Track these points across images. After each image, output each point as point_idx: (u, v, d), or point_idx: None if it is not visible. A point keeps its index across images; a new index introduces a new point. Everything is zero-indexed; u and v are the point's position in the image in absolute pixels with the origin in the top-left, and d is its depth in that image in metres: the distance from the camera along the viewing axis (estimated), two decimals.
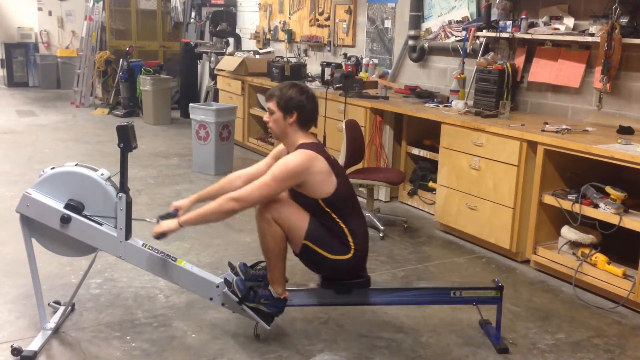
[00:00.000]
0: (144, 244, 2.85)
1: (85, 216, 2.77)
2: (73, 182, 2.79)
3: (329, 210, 2.74)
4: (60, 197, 2.78)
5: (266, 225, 2.73)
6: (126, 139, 2.74)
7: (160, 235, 2.76)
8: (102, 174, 2.82)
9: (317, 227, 2.73)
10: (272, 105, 2.81)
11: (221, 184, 2.99)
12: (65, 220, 2.73)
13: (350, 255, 2.75)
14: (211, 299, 2.87)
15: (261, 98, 7.01)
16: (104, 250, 2.84)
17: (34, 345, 2.71)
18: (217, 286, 2.84)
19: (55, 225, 2.75)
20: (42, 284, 2.93)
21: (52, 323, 2.89)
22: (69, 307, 3.06)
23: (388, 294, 2.97)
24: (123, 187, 2.79)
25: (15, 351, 2.65)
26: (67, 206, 2.76)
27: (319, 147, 2.78)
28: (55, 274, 3.53)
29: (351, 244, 2.75)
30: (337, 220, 2.75)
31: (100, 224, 2.79)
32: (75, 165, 2.85)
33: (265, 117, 2.86)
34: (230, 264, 3.03)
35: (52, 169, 2.82)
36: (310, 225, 2.72)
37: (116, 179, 2.83)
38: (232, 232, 4.41)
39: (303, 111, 2.78)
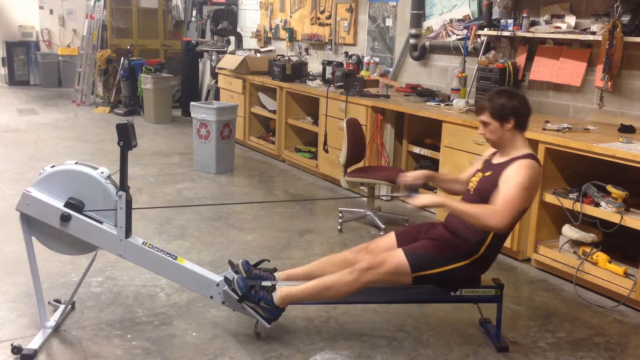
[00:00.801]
0: (144, 242, 2.85)
1: (86, 214, 2.77)
2: (73, 181, 2.79)
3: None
4: (61, 195, 2.77)
5: (355, 278, 2.71)
6: (126, 137, 2.74)
7: (423, 208, 2.75)
8: (102, 172, 2.82)
9: (412, 254, 2.74)
10: (485, 117, 2.77)
11: (456, 177, 3.05)
12: (66, 218, 2.73)
13: (467, 261, 2.74)
14: (211, 297, 2.86)
15: (262, 97, 7.02)
16: (104, 248, 2.83)
17: (34, 344, 2.71)
18: (218, 284, 2.84)
19: (55, 224, 2.75)
20: (43, 282, 2.93)
21: (52, 321, 2.89)
22: (69, 306, 3.06)
23: (388, 292, 2.96)
24: (123, 185, 2.78)
25: (16, 349, 2.65)
26: (67, 204, 2.75)
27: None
28: (56, 272, 3.53)
29: (482, 249, 2.74)
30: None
31: (101, 222, 2.79)
32: (75, 163, 2.85)
33: (480, 130, 2.83)
34: (230, 262, 3.03)
35: (52, 167, 2.82)
36: (407, 256, 2.73)
37: (116, 177, 2.83)
38: (233, 230, 4.41)
39: (519, 115, 2.75)
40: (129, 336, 2.89)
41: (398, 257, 2.73)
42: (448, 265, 2.74)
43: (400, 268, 2.72)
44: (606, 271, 3.48)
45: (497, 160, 2.83)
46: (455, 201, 2.68)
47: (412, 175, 2.94)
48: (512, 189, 2.59)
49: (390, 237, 2.97)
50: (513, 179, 2.62)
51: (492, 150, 2.92)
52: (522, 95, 2.85)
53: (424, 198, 2.68)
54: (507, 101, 2.74)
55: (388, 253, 2.78)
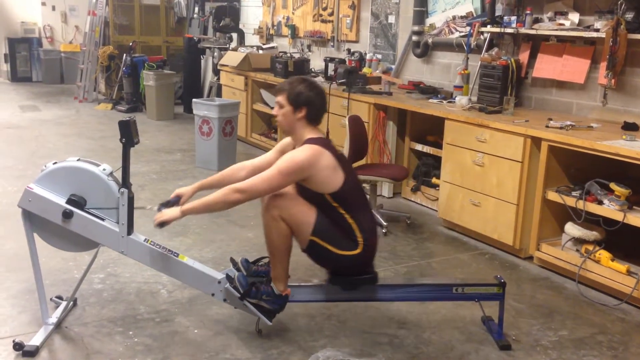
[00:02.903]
0: (145, 239, 2.85)
1: (87, 211, 2.77)
2: (75, 177, 2.78)
3: (336, 205, 2.73)
4: (62, 192, 2.77)
5: (272, 221, 2.72)
6: (128, 134, 2.73)
7: (162, 224, 2.73)
8: (104, 169, 2.82)
9: (324, 223, 2.72)
10: (281, 98, 2.80)
11: (225, 174, 2.98)
12: (67, 215, 2.72)
13: (358, 250, 2.74)
14: (213, 294, 2.86)
15: (265, 94, 7.00)
16: (106, 245, 2.83)
17: (35, 340, 2.71)
18: (219, 282, 2.83)
19: (57, 220, 2.74)
20: (45, 279, 2.93)
21: (54, 318, 2.89)
22: (71, 302, 3.06)
23: (391, 290, 2.96)
24: (125, 182, 2.78)
25: (17, 346, 2.65)
26: (69, 201, 2.75)
27: (326, 142, 2.78)
28: (58, 269, 3.53)
29: (359, 239, 2.74)
30: (345, 215, 2.73)
31: (103, 219, 2.78)
32: (77, 160, 2.85)
33: (274, 110, 2.86)
34: (232, 260, 3.03)
35: (54, 163, 2.82)
36: (317, 220, 2.71)
37: (118, 174, 2.83)
38: (235, 227, 4.41)
39: (312, 107, 2.78)
40: (130, 333, 2.89)
41: (310, 214, 2.72)
42: (344, 250, 2.73)
43: (305, 224, 2.70)
44: (609, 269, 3.47)
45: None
46: (194, 202, 2.70)
47: (177, 193, 2.90)
48: (269, 171, 2.66)
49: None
50: (278, 162, 2.68)
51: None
52: (322, 90, 2.85)
53: (159, 215, 2.72)
54: (305, 90, 2.77)
55: (306, 205, 2.74)
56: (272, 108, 7.18)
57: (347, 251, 2.73)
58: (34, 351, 2.65)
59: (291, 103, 2.77)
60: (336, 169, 2.72)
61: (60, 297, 3.10)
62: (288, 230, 2.72)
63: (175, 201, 2.85)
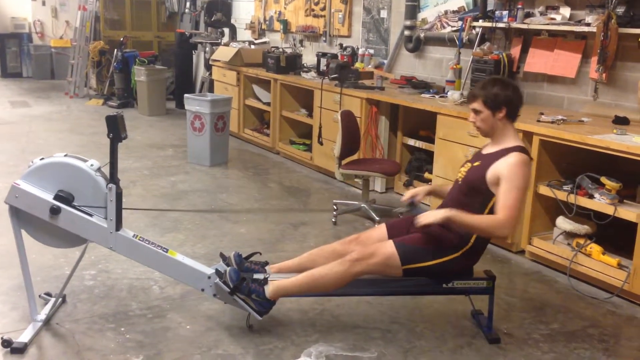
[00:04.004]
0: (134, 235, 2.83)
1: (75, 207, 2.75)
2: (62, 173, 2.76)
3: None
4: (50, 188, 2.75)
5: (345, 269, 2.70)
6: (115, 130, 2.72)
7: (425, 227, 2.68)
8: (91, 165, 2.80)
9: (402, 246, 2.73)
10: (478, 105, 2.76)
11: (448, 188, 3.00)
12: (55, 211, 2.70)
13: (459, 253, 2.74)
14: (203, 289, 2.85)
15: (257, 89, 6.98)
16: (95, 241, 2.82)
17: (24, 337, 2.69)
18: (209, 277, 2.82)
19: (44, 217, 2.72)
20: (36, 275, 2.92)
21: (42, 315, 2.87)
22: (60, 299, 3.04)
23: (380, 284, 2.96)
24: (113, 178, 2.76)
25: (6, 343, 2.63)
26: (56, 197, 2.73)
27: (524, 149, 2.76)
28: (49, 265, 3.51)
29: (471, 239, 2.73)
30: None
31: (91, 215, 2.76)
32: (65, 155, 2.83)
33: (471, 118, 2.82)
34: (222, 255, 3.02)
35: (41, 159, 2.79)
36: (397, 248, 2.72)
37: (106, 170, 2.81)
38: (227, 223, 4.40)
39: (511, 105, 2.75)
40: (122, 329, 2.88)
41: (388, 249, 2.72)
42: (439, 259, 2.74)
43: (390, 260, 2.71)
44: (600, 263, 3.48)
45: (486, 150, 2.84)
46: (460, 214, 2.65)
47: (412, 192, 2.93)
48: (511, 193, 2.60)
49: (382, 229, 2.96)
50: (509, 181, 2.62)
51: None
52: (515, 85, 2.85)
53: (428, 216, 2.66)
54: (500, 90, 2.74)
55: (378, 244, 2.77)
56: (264, 103, 7.19)
57: (445, 257, 2.74)
58: (23, 348, 2.63)
59: (489, 107, 2.73)
60: None
61: (49, 294, 3.08)
62: (352, 278, 2.73)
63: (413, 202, 2.91)
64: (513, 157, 2.67)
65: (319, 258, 2.91)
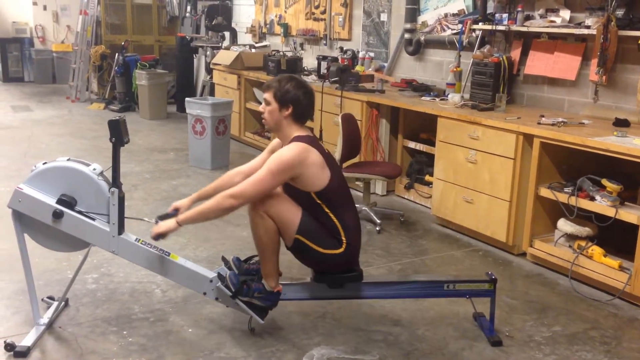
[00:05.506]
0: (137, 239, 2.84)
1: (78, 211, 2.76)
2: (65, 177, 2.77)
3: (321, 203, 2.73)
4: (53, 192, 2.76)
5: (259, 219, 2.72)
6: (118, 134, 2.73)
7: (159, 236, 2.74)
8: (94, 169, 2.81)
9: (309, 221, 2.73)
10: (268, 96, 2.80)
11: (220, 181, 2.99)
12: (58, 215, 2.71)
13: (342, 249, 2.75)
14: (205, 293, 2.86)
15: (257, 92, 6.99)
16: (97, 245, 2.82)
17: (27, 341, 2.70)
18: (211, 281, 2.83)
19: (47, 221, 2.73)
20: (39, 279, 2.92)
21: (45, 318, 2.88)
22: (63, 302, 3.05)
23: (381, 287, 2.97)
24: (115, 182, 2.77)
25: (9, 347, 2.64)
26: (59, 201, 2.74)
27: (313, 140, 2.78)
28: (52, 269, 3.52)
29: (343, 238, 2.75)
30: (330, 214, 2.74)
31: (93, 219, 2.77)
32: (68, 160, 2.84)
33: (261, 107, 2.86)
34: (223, 259, 3.02)
35: (44, 164, 2.81)
36: (302, 219, 2.72)
37: (109, 174, 2.82)
38: (229, 226, 4.40)
39: (298, 105, 2.78)
40: (125, 332, 2.89)
41: (296, 213, 2.72)
42: (326, 249, 2.74)
43: (290, 222, 2.71)
44: (601, 265, 3.49)
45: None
46: (189, 212, 2.73)
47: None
48: (261, 172, 2.65)
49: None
50: (267, 162, 2.68)
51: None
52: (309, 90, 2.84)
53: (156, 228, 2.73)
54: (292, 88, 2.77)
55: (292, 203, 2.75)
56: None
57: (330, 250, 2.74)
58: (26, 352, 2.64)
59: (278, 101, 2.77)
60: (323, 167, 2.72)
61: (51, 298, 3.09)
62: (275, 227, 2.72)
63: (173, 214, 2.85)
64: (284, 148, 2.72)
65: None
